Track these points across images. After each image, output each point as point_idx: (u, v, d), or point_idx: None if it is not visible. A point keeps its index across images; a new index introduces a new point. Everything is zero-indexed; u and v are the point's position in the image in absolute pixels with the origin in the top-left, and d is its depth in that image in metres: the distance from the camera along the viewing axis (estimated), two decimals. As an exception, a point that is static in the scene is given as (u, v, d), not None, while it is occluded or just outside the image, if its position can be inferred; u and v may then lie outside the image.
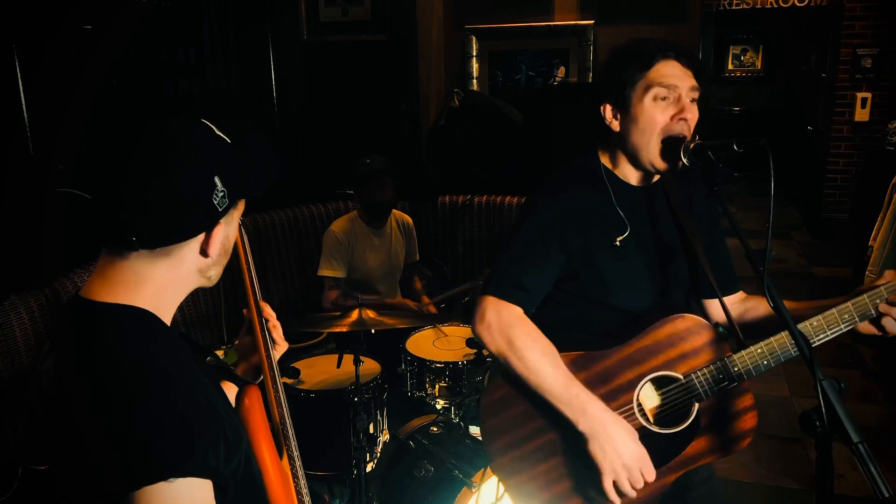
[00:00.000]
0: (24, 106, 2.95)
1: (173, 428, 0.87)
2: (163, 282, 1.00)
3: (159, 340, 0.98)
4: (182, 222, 0.97)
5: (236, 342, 1.46)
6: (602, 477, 1.45)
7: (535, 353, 1.51)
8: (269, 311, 1.39)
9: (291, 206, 3.81)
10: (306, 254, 3.76)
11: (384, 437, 2.63)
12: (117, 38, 3.37)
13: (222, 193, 0.98)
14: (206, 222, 0.99)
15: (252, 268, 1.36)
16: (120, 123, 0.96)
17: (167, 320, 1.03)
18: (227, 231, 1.05)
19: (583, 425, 1.46)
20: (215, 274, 1.08)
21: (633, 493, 1.45)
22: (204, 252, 1.02)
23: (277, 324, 1.41)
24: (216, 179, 0.97)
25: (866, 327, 1.45)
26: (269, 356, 1.33)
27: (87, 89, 3.12)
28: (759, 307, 1.67)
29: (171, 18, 3.92)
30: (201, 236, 1.00)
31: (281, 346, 1.40)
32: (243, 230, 1.35)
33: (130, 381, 0.89)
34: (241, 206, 1.08)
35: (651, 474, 1.45)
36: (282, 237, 3.72)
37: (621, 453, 1.43)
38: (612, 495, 1.46)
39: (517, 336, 1.52)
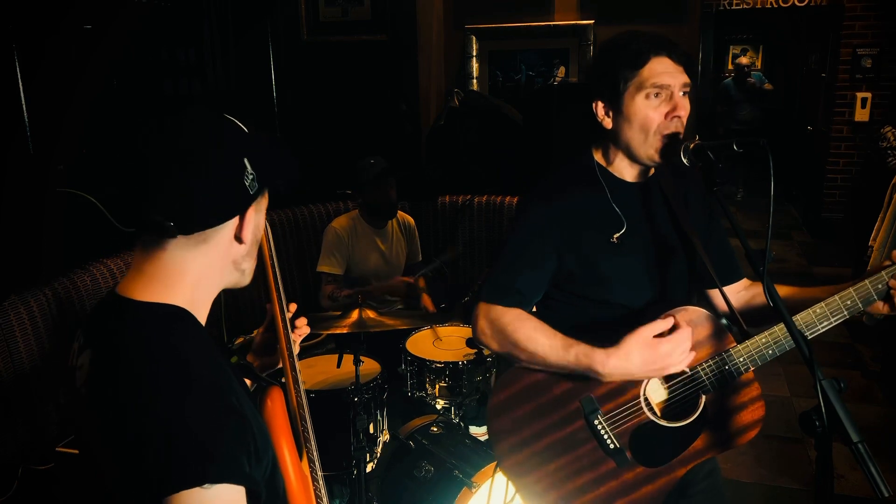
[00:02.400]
0: (24, 106, 2.95)
1: (208, 433, 0.86)
2: (198, 274, 0.99)
3: (196, 342, 0.97)
4: (218, 205, 0.97)
5: (237, 341, 1.46)
6: (669, 370, 1.45)
7: (527, 331, 1.51)
8: (293, 314, 1.41)
9: (291, 205, 3.81)
10: (306, 253, 3.75)
11: (384, 437, 2.63)
12: (117, 38, 3.37)
13: (252, 176, 0.98)
14: (239, 205, 0.99)
15: (276, 265, 1.37)
16: (123, 123, 0.97)
17: (202, 318, 1.03)
18: (257, 219, 1.04)
19: (607, 379, 1.46)
20: (249, 268, 1.07)
21: (687, 362, 1.45)
22: (238, 238, 1.01)
23: (303, 320, 1.43)
24: (245, 161, 0.98)
25: (877, 306, 1.44)
26: (290, 354, 1.33)
27: (87, 89, 3.12)
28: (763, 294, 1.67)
29: (171, 18, 3.92)
30: (235, 220, 1.00)
31: (294, 348, 1.41)
32: (268, 225, 1.36)
33: (167, 384, 0.88)
34: (266, 195, 1.08)
35: (685, 338, 1.43)
36: (282, 237, 3.72)
37: (653, 363, 1.42)
38: (684, 364, 1.45)
39: (507, 324, 1.53)
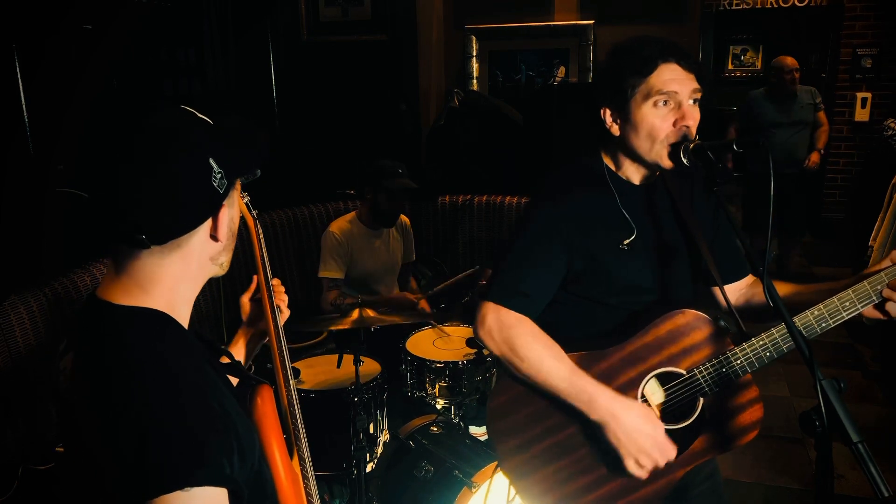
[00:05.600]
0: (24, 106, 2.95)
1: (188, 436, 0.86)
2: (176, 277, 0.99)
3: (174, 344, 0.97)
4: (189, 211, 0.96)
5: (243, 328, 1.47)
6: (624, 462, 1.46)
7: (536, 351, 1.50)
8: (279, 286, 1.44)
9: (291, 206, 3.82)
10: (306, 253, 3.75)
11: (384, 437, 2.63)
12: (117, 38, 3.37)
13: (220, 174, 0.97)
14: (210, 207, 0.98)
15: (261, 235, 1.40)
16: (111, 124, 0.96)
17: (185, 317, 1.02)
18: (231, 213, 1.04)
19: (594, 416, 1.46)
20: (226, 260, 1.07)
21: (658, 466, 1.46)
22: (214, 237, 1.01)
23: (282, 289, 1.46)
24: (211, 161, 0.96)
25: (870, 312, 1.44)
26: (282, 355, 1.34)
27: (87, 89, 3.12)
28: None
29: (171, 18, 3.92)
30: (209, 222, 1.00)
31: (284, 314, 1.44)
32: (258, 222, 1.40)
33: (145, 388, 0.88)
34: (238, 185, 1.08)
35: (670, 452, 1.45)
36: (282, 237, 3.72)
37: (636, 439, 1.44)
38: (639, 473, 1.46)
39: (517, 337, 1.52)
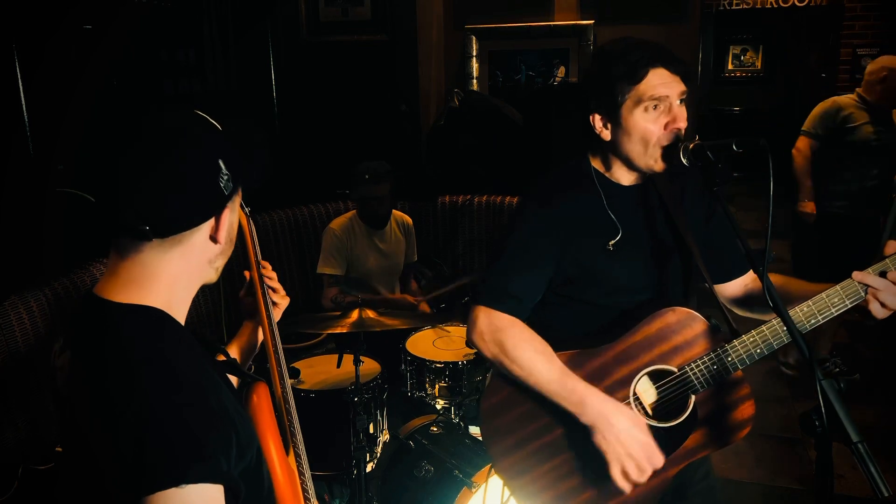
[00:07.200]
0: (24, 106, 2.95)
1: (185, 433, 0.87)
2: (175, 275, 1.00)
3: (172, 341, 0.97)
4: (194, 207, 0.97)
5: (245, 322, 1.48)
6: (609, 466, 1.46)
7: (528, 352, 1.52)
8: (270, 272, 1.44)
9: (291, 206, 3.82)
10: (306, 254, 3.76)
11: (384, 437, 2.63)
12: (117, 38, 3.36)
13: (227, 177, 0.99)
14: (215, 206, 1.00)
15: (253, 228, 1.42)
16: (118, 119, 0.97)
17: (181, 317, 1.03)
18: (231, 218, 1.05)
19: (584, 418, 1.47)
20: (221, 264, 1.08)
21: (642, 481, 1.46)
22: (213, 238, 1.02)
23: (278, 286, 1.47)
24: (220, 163, 0.98)
25: (859, 313, 1.45)
26: (277, 351, 1.34)
27: (87, 89, 3.12)
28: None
29: (171, 18, 3.92)
30: (211, 222, 1.01)
31: (282, 304, 1.46)
32: (248, 215, 1.41)
33: (142, 385, 0.89)
34: (240, 193, 1.10)
35: (658, 460, 1.45)
36: (281, 237, 3.72)
37: (625, 443, 1.44)
38: (622, 483, 1.46)
39: (508, 338, 1.53)
